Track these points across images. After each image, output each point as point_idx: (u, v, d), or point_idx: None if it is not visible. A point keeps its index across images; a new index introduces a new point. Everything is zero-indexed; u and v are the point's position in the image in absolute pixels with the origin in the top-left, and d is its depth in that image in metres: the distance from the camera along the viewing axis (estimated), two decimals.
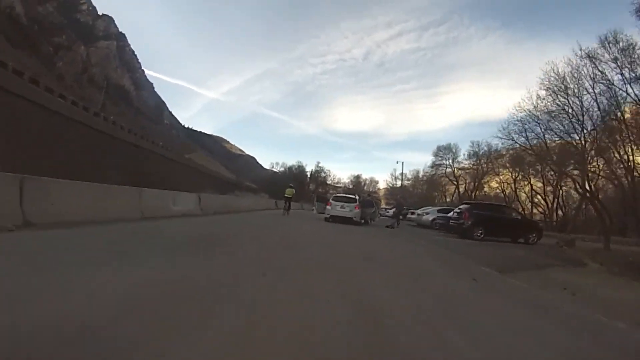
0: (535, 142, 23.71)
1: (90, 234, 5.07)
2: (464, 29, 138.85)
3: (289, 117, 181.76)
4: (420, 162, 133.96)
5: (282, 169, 63.93)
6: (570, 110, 20.50)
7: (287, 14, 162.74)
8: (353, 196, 17.04)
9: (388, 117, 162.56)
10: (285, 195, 18.05)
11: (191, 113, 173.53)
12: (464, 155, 42.28)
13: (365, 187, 64.37)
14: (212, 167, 59.00)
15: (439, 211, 19.12)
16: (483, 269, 6.12)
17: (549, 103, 21.06)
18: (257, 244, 6.22)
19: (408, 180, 52.68)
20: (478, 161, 39.26)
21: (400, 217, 17.76)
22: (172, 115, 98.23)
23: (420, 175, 52.12)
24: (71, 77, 55.43)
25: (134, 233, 5.67)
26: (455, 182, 43.33)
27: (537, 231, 13.65)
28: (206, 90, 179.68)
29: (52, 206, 5.44)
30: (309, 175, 63.88)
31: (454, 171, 43.38)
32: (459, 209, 14.10)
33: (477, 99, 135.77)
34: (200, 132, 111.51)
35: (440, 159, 44.13)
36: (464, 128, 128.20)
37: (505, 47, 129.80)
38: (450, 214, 15.58)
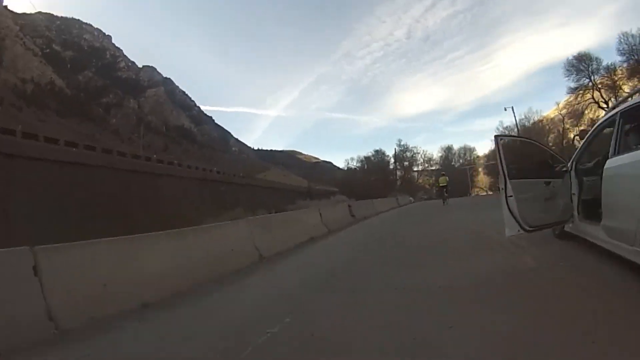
0: None
1: None
2: None
3: (353, 115, 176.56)
4: (491, 127, 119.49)
5: (358, 164, 54.79)
6: None
7: (321, 16, 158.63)
8: None
9: (450, 89, 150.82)
10: (440, 184, 17.89)
11: (258, 135, 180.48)
12: (613, 62, 27.78)
13: (460, 160, 52.07)
14: (285, 181, 52.89)
15: None
16: None
17: None
18: None
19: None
20: None
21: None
22: (239, 142, 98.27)
23: (530, 123, 38.32)
24: (127, 130, 54.17)
25: None
26: (605, 105, 29.04)
27: None
28: (266, 110, 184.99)
29: None
30: (392, 160, 53.61)
31: (600, 91, 29.41)
32: None
33: (531, 47, 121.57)
34: (271, 150, 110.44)
35: (578, 77, 28.98)
36: (525, 81, 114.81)
37: None
38: None
